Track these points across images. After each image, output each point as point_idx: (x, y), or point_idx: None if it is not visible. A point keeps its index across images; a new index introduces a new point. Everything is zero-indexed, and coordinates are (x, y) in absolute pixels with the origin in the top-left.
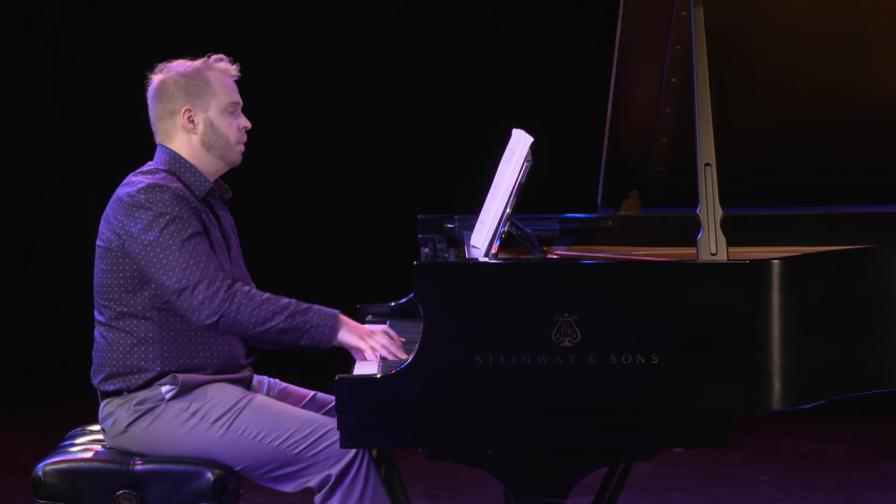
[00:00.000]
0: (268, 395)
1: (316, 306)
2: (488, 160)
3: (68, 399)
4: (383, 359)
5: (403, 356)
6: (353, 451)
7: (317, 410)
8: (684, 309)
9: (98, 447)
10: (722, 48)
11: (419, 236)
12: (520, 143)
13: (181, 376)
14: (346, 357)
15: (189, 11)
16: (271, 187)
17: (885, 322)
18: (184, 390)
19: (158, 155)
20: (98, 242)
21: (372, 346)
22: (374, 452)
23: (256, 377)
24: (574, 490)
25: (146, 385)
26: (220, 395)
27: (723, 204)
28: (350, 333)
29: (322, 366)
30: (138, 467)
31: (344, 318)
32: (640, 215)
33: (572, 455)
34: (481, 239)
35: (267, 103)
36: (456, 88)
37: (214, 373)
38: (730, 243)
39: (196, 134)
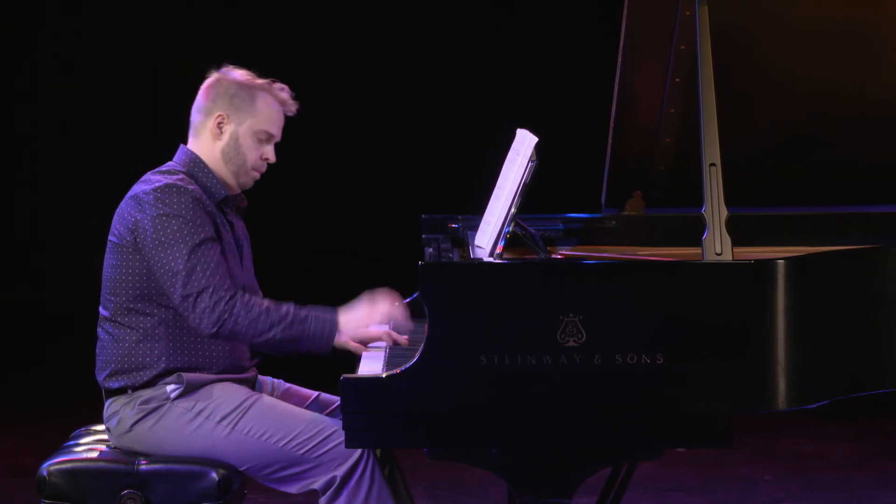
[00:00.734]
0: (272, 395)
1: (314, 313)
2: (492, 160)
3: (68, 399)
4: (390, 357)
5: (404, 342)
6: (357, 453)
7: (320, 411)
8: (689, 309)
9: (103, 447)
10: (725, 48)
11: (423, 236)
12: (524, 143)
13: (186, 375)
14: (351, 357)
15: (190, 12)
16: (275, 187)
17: (888, 322)
18: (189, 389)
19: (179, 156)
20: (110, 237)
21: (370, 343)
22: (378, 453)
23: (260, 377)
24: (577, 490)
25: (151, 382)
26: (226, 394)
27: (727, 204)
28: (346, 342)
29: (326, 366)
30: (143, 467)
31: (343, 322)
32: (643, 215)
33: (577, 455)
34: (486, 239)
35: None
36: (459, 88)
37: (219, 372)
38: (733, 243)
39: (220, 142)
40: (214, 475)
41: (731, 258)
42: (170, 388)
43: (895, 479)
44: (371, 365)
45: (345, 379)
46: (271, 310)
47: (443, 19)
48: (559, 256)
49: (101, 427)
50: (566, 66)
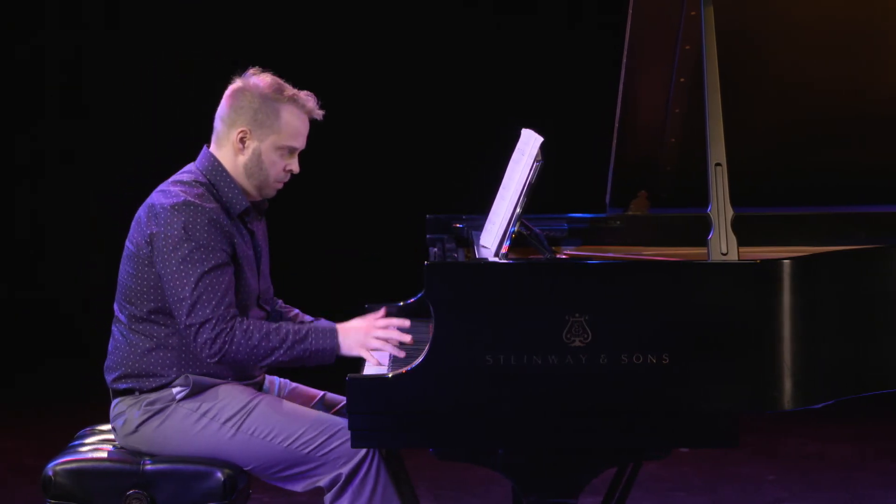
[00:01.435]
0: (278, 394)
1: (314, 327)
2: (496, 160)
3: (68, 399)
4: (394, 358)
5: (407, 340)
6: (363, 451)
7: (326, 410)
8: (695, 309)
9: (108, 447)
10: (730, 48)
11: (427, 236)
12: (529, 142)
13: (193, 377)
14: (356, 357)
15: (192, 11)
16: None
17: (893, 322)
18: (195, 391)
19: (202, 160)
20: (127, 244)
21: (373, 350)
22: (384, 452)
23: (267, 377)
24: (583, 490)
25: (159, 388)
26: (231, 395)
27: (731, 204)
28: (351, 345)
29: (332, 366)
30: (148, 467)
31: (343, 330)
32: (648, 215)
33: (583, 455)
34: (491, 239)
35: None
36: (463, 89)
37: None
38: (739, 243)
39: (243, 156)
40: (220, 475)
41: (736, 258)
42: (175, 389)
43: None
44: (375, 365)
45: (351, 379)
46: (271, 334)
47: (447, 19)
48: (564, 256)
49: (106, 427)
50: (571, 65)
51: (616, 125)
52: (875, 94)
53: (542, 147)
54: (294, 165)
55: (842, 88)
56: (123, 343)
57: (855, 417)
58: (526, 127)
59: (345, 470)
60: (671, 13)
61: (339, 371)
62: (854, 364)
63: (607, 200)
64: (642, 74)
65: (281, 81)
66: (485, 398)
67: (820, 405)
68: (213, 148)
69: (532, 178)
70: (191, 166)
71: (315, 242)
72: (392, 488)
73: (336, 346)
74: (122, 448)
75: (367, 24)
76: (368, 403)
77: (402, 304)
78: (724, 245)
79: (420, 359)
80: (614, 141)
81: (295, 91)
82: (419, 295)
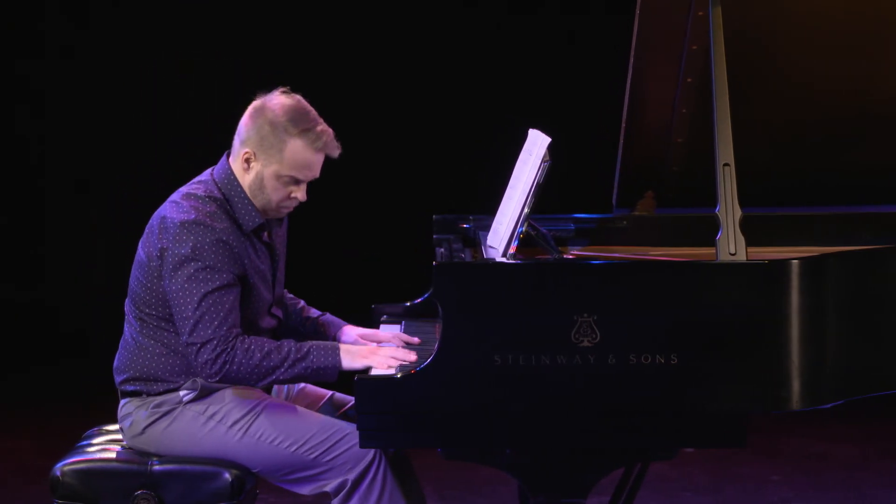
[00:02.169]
0: (286, 394)
1: (315, 346)
2: (502, 161)
3: (68, 399)
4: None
5: (412, 358)
6: (369, 457)
7: (334, 411)
8: (704, 309)
9: (116, 447)
10: (738, 48)
11: (434, 236)
12: (537, 143)
13: (201, 380)
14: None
15: (192, 11)
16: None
17: None
18: (202, 394)
19: (219, 171)
20: (139, 249)
21: (379, 363)
22: (391, 453)
23: None
24: (591, 490)
25: (166, 392)
26: (238, 398)
27: (739, 204)
28: (354, 359)
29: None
30: (156, 467)
31: (344, 348)
32: (654, 215)
33: (591, 455)
34: (498, 239)
35: None
36: (470, 89)
37: None
38: (745, 244)
39: (247, 176)
40: (228, 476)
41: (745, 258)
42: (183, 392)
43: None
44: None
45: (359, 379)
46: (272, 353)
47: (453, 19)
48: (570, 257)
49: (113, 427)
50: (577, 65)
51: (623, 125)
52: (882, 94)
53: (550, 147)
54: (299, 194)
55: (849, 88)
56: (133, 345)
57: (860, 417)
58: (533, 127)
59: (351, 476)
60: (678, 13)
61: (347, 371)
62: (862, 364)
63: (614, 201)
64: (649, 74)
65: (302, 109)
66: (493, 398)
67: (828, 405)
68: (231, 159)
69: (540, 179)
70: (207, 175)
71: (321, 242)
72: (399, 493)
73: (338, 363)
74: (129, 448)
75: (372, 23)
76: (377, 403)
77: (408, 304)
78: (732, 245)
79: (429, 359)
80: (621, 141)
81: (311, 125)
82: (426, 295)
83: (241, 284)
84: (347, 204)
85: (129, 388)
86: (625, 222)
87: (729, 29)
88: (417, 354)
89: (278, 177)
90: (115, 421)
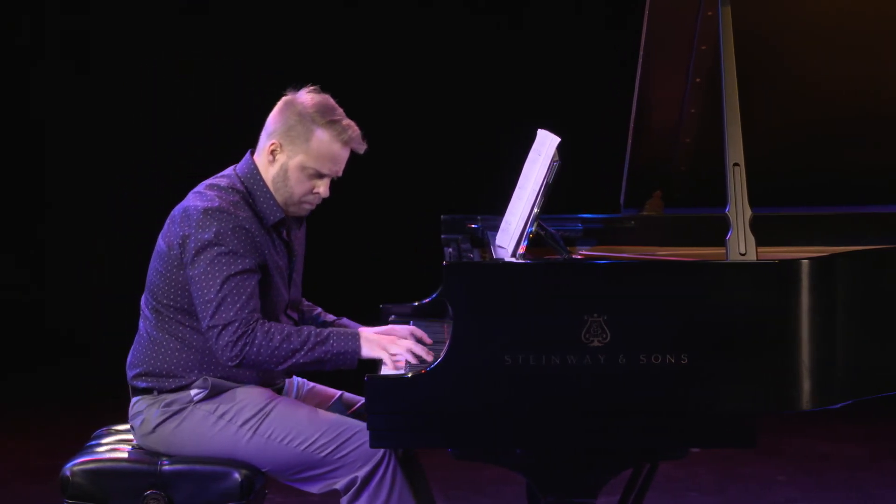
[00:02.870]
0: (296, 394)
1: (335, 330)
2: (510, 161)
3: (68, 400)
4: (408, 362)
5: (429, 359)
6: (379, 454)
7: (343, 410)
8: (714, 309)
9: (126, 447)
10: (747, 48)
11: (442, 236)
12: (545, 143)
13: (211, 379)
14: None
15: (201, 11)
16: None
17: None
18: (213, 393)
19: (243, 166)
20: (159, 240)
21: (393, 355)
22: (400, 453)
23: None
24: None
25: (178, 389)
26: (248, 398)
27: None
28: (372, 347)
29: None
30: (166, 467)
31: (364, 334)
32: (662, 215)
33: (601, 455)
34: (507, 239)
35: None
36: (477, 89)
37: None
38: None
39: (272, 168)
40: (237, 475)
41: (755, 258)
42: (193, 391)
43: None
44: None
45: (370, 379)
46: (292, 336)
47: (460, 19)
48: (579, 257)
49: (122, 427)
50: (586, 65)
51: (631, 125)
52: (890, 94)
53: (559, 147)
54: (322, 189)
55: (857, 88)
56: (147, 340)
57: (865, 417)
58: (540, 127)
59: (361, 473)
60: (688, 13)
61: (357, 371)
62: (871, 364)
63: (622, 201)
64: (658, 74)
65: (331, 104)
66: (503, 398)
67: (838, 405)
68: (256, 155)
69: (549, 179)
70: (230, 170)
71: (330, 243)
72: (408, 491)
73: (357, 348)
74: (139, 448)
75: (380, 23)
76: (387, 403)
77: (417, 304)
78: (742, 245)
79: (439, 359)
80: (629, 141)
81: (337, 118)
82: (434, 295)
83: (261, 274)
84: (356, 204)
85: (141, 384)
86: (633, 222)
87: (737, 29)
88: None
89: (303, 168)
90: (119, 421)
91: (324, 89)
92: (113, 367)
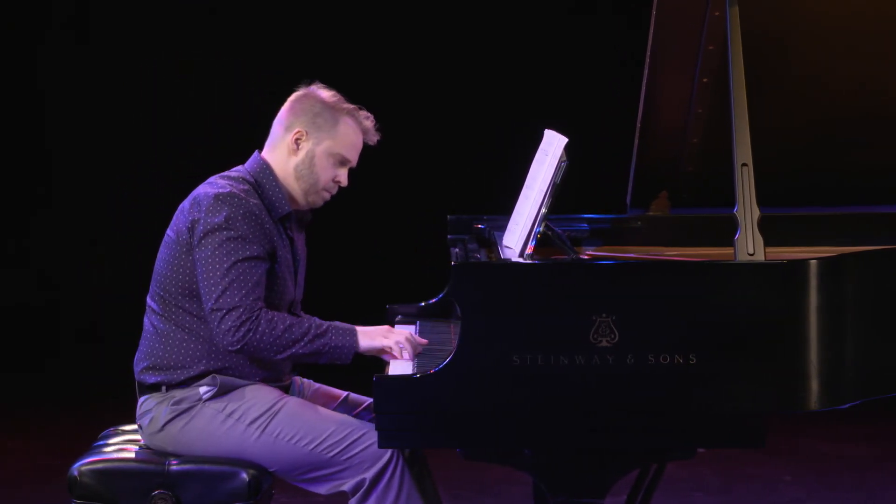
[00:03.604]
0: (301, 395)
1: (334, 325)
2: (516, 161)
3: (69, 400)
4: (417, 356)
5: (425, 342)
6: (387, 456)
7: (349, 411)
8: (722, 309)
9: (133, 447)
10: (755, 48)
11: (448, 237)
12: (553, 143)
13: (220, 377)
14: (379, 358)
15: (208, 11)
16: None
17: None
18: (222, 391)
19: (251, 163)
20: (168, 231)
21: (397, 341)
22: (407, 453)
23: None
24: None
25: (186, 382)
26: (257, 397)
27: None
28: (371, 339)
29: (355, 367)
30: (174, 467)
31: (361, 330)
32: (669, 216)
33: (610, 455)
34: (514, 239)
35: None
36: (482, 89)
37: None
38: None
39: (295, 158)
40: (245, 475)
41: (763, 258)
42: (203, 389)
43: None
44: (400, 366)
45: (378, 379)
46: (294, 326)
47: (467, 19)
48: (585, 257)
49: (129, 427)
50: (592, 65)
51: (638, 125)
52: None
53: (567, 148)
54: (343, 177)
55: (864, 88)
56: (153, 333)
57: (871, 417)
58: (547, 127)
59: (369, 474)
60: (695, 14)
61: (362, 372)
62: (879, 364)
63: (628, 201)
64: (665, 75)
65: (342, 97)
66: (512, 398)
67: (847, 405)
68: (265, 153)
69: (557, 178)
70: (239, 167)
71: (336, 243)
72: (416, 492)
73: (354, 343)
74: (147, 448)
75: (386, 21)
76: (396, 404)
77: (423, 304)
78: (751, 245)
79: (447, 359)
80: (636, 141)
81: (356, 107)
82: (440, 295)
83: (269, 263)
84: (362, 204)
85: (150, 380)
86: (639, 222)
87: (744, 29)
88: (435, 355)
89: (330, 154)
90: (121, 421)
91: (339, 87)
92: (113, 367)
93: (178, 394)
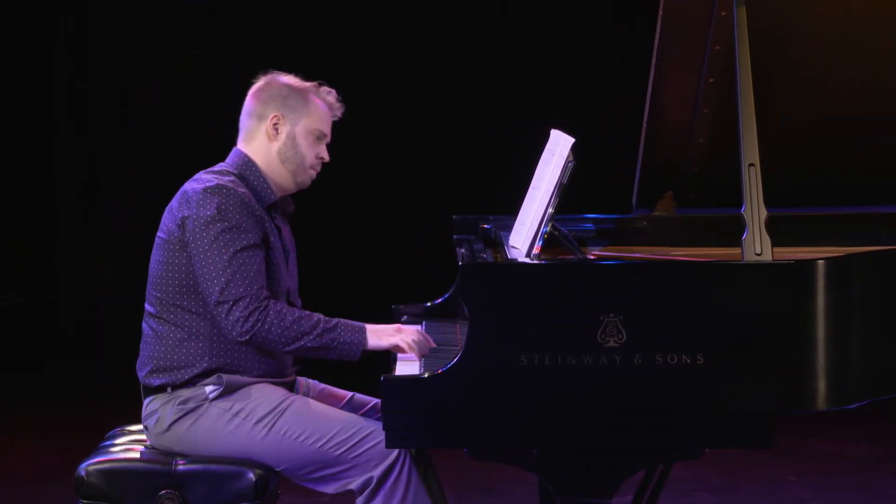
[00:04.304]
0: (306, 395)
1: (343, 322)
2: (522, 161)
3: (70, 399)
4: (423, 357)
5: (432, 344)
6: (394, 454)
7: (354, 412)
8: (730, 309)
9: (140, 447)
10: (760, 48)
11: (454, 237)
12: (559, 143)
13: (226, 376)
14: (386, 358)
15: (208, 11)
16: (306, 189)
17: None
18: (228, 390)
19: (232, 157)
20: (159, 234)
21: (406, 339)
22: (413, 453)
23: (297, 378)
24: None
25: (191, 381)
26: (263, 395)
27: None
28: (380, 337)
29: (361, 367)
30: (180, 467)
31: (371, 328)
32: (674, 216)
33: (618, 455)
34: (521, 239)
35: None
36: (488, 89)
37: (259, 376)
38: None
39: (276, 142)
40: (251, 475)
41: (770, 258)
42: (209, 388)
43: None
44: (407, 366)
45: (385, 379)
46: (303, 319)
47: (473, 19)
48: (591, 257)
49: (135, 427)
50: (597, 65)
51: (644, 125)
52: None
53: (573, 148)
54: (325, 153)
55: (870, 88)
56: (153, 336)
57: (875, 417)
58: (553, 127)
59: (376, 473)
60: (701, 14)
61: (367, 373)
62: (886, 364)
63: (634, 201)
64: (671, 75)
65: (300, 78)
66: (519, 398)
67: (854, 405)
68: (241, 146)
69: (564, 179)
70: (220, 163)
71: (343, 243)
72: (423, 490)
73: (363, 341)
74: (153, 448)
75: (389, 21)
76: (403, 403)
77: (428, 304)
78: (758, 245)
79: (455, 359)
80: (642, 141)
81: (315, 84)
82: (446, 295)
83: (265, 250)
84: (367, 204)
85: (155, 382)
86: (644, 222)
87: (750, 29)
88: (441, 355)
89: (309, 131)
90: (125, 420)
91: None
92: (113, 367)
93: (183, 393)
